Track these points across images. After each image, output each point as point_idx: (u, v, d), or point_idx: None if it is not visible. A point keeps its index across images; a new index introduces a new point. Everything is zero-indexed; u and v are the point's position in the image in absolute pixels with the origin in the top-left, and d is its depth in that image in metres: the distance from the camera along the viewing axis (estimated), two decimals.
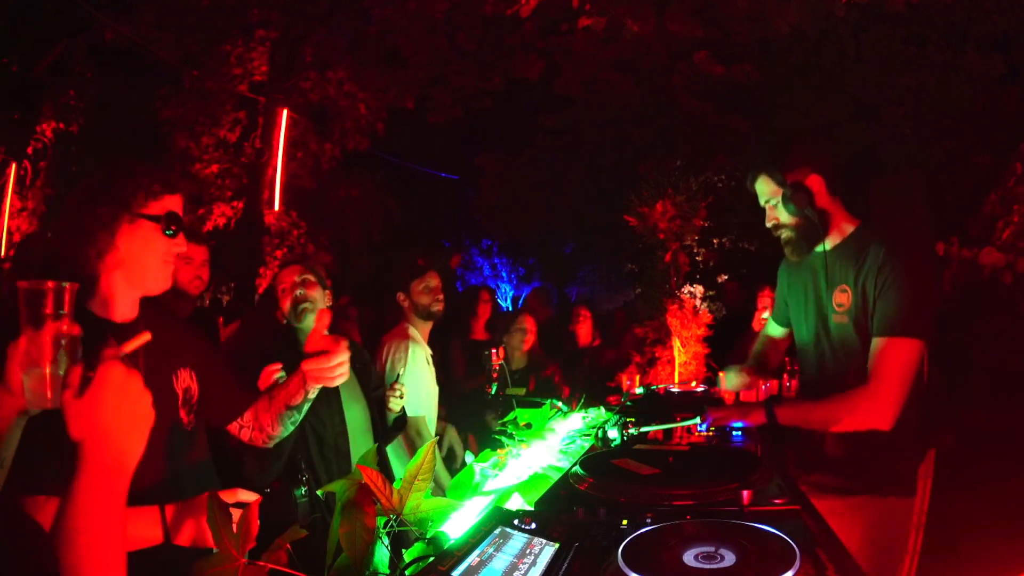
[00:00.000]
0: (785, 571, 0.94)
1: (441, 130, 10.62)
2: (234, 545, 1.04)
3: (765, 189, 2.14)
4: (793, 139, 2.58)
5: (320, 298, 2.53)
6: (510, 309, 12.53)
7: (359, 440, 2.52)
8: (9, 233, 8.88)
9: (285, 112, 8.73)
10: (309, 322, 2.44)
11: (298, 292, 2.47)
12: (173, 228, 1.50)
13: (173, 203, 1.52)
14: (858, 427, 1.86)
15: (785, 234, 2.14)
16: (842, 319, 2.02)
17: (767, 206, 2.16)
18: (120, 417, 0.87)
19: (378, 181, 11.70)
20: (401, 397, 2.61)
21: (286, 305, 2.48)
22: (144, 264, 1.49)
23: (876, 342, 1.89)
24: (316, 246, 9.83)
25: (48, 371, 0.98)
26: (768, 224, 2.18)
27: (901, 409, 1.84)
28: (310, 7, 8.57)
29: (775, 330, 2.50)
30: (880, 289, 1.91)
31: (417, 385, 2.99)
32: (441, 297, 3.12)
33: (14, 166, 9.05)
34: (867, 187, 6.87)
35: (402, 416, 2.71)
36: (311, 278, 2.53)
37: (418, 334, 3.15)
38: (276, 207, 9.01)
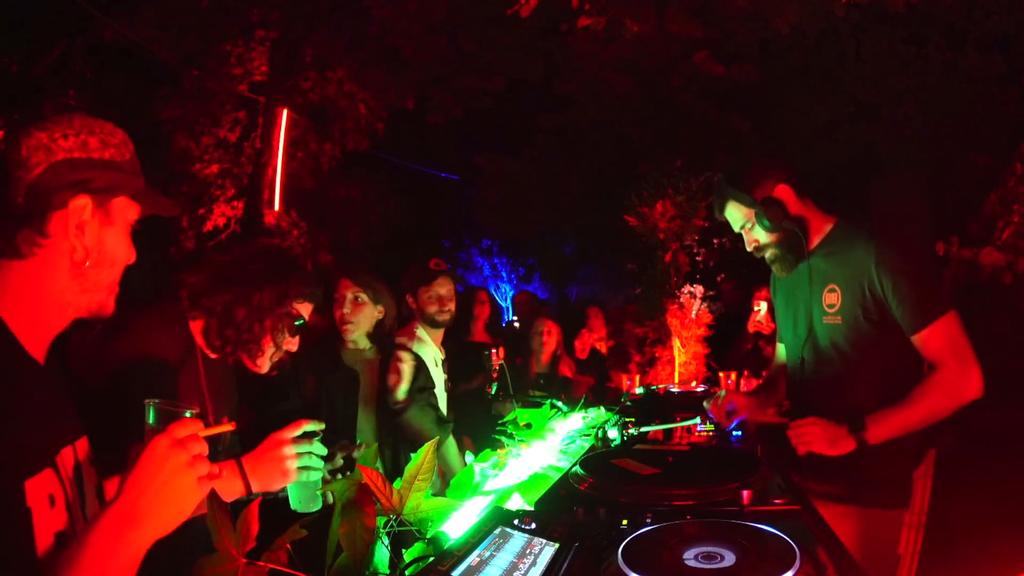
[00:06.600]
0: (785, 571, 0.94)
1: (441, 130, 10.61)
2: (234, 545, 1.03)
3: (737, 215, 2.09)
4: (747, 156, 2.54)
5: (366, 319, 2.56)
6: (510, 308, 12.50)
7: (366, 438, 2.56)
8: None
9: (285, 112, 8.72)
10: (349, 338, 2.56)
11: (345, 310, 2.53)
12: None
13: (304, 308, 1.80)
14: (954, 407, 1.84)
15: (769, 253, 2.09)
16: (834, 319, 1.99)
17: (743, 231, 2.11)
18: (148, 489, 0.90)
19: (378, 181, 11.67)
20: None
21: (336, 313, 2.54)
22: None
23: (920, 337, 1.87)
24: (316, 246, 9.83)
25: None
26: (749, 248, 2.13)
27: (981, 374, 1.85)
28: (310, 7, 8.56)
29: (782, 351, 2.39)
30: (889, 288, 1.88)
31: None
32: (449, 307, 2.97)
33: None
34: (861, 185, 6.87)
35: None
36: (363, 296, 2.55)
37: (427, 335, 3.04)
38: (276, 207, 9.00)
